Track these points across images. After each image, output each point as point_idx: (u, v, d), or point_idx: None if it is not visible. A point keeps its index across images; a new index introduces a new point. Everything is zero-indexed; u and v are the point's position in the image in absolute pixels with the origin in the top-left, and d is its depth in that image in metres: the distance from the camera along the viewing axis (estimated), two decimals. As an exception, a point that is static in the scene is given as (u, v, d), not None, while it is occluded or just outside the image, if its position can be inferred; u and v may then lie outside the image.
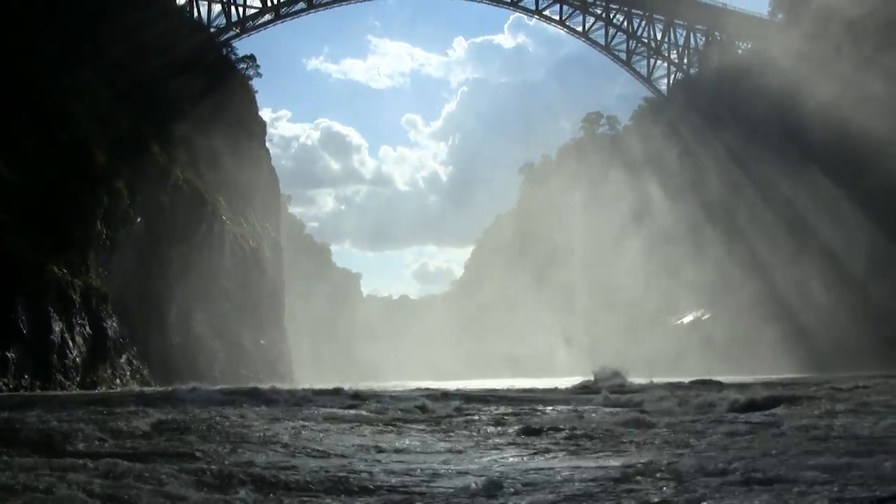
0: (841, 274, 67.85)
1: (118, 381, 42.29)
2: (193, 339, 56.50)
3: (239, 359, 62.70)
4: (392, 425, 15.85)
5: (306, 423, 16.00)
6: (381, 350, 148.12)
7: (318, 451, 11.29)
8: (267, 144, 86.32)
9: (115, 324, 43.34)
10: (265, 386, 32.52)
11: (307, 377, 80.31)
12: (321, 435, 13.58)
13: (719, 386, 30.75)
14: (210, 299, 60.30)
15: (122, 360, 43.92)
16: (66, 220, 39.39)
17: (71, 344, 37.66)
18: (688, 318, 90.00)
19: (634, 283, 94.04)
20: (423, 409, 20.06)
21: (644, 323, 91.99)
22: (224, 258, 63.38)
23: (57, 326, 36.72)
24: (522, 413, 18.68)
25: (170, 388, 31.89)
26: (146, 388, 39.67)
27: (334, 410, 19.90)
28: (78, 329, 38.83)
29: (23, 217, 36.44)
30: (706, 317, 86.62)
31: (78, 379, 37.44)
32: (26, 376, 33.48)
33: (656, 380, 38.55)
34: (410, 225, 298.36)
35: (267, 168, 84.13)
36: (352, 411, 19.47)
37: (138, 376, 45.16)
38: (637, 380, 38.22)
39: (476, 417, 17.49)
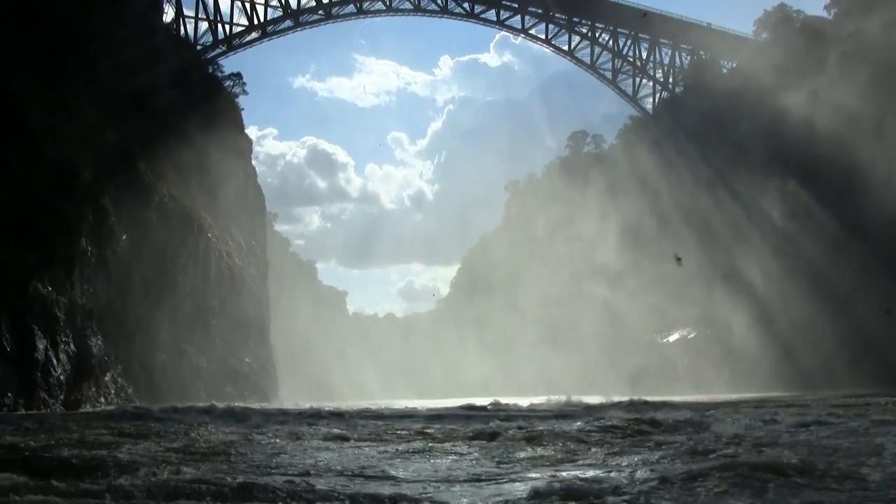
0: (824, 292, 68.07)
1: (102, 399, 41.91)
2: (178, 356, 56.13)
3: (224, 377, 62.36)
4: (449, 445, 15.83)
5: (359, 446, 15.97)
6: (366, 369, 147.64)
7: (389, 476, 11.09)
8: (253, 162, 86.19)
9: (99, 341, 42.93)
10: (306, 406, 32.40)
11: (293, 395, 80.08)
12: (379, 460, 13.29)
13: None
14: (195, 317, 59.98)
15: (107, 378, 43.53)
16: (51, 237, 39.04)
17: (55, 362, 37.25)
18: (673, 337, 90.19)
19: (618, 301, 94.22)
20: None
21: (628, 342, 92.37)
22: (209, 275, 63.08)
23: (41, 344, 36.32)
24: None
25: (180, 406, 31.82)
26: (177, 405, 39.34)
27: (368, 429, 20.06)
28: (62, 347, 38.41)
29: (7, 233, 36.09)
30: (691, 335, 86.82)
31: (62, 397, 37.03)
32: (9, 394, 33.07)
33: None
34: (396, 243, 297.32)
35: (253, 186, 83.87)
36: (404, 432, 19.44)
37: (123, 394, 44.77)
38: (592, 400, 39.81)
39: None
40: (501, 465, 12.44)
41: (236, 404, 40.78)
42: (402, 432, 19.54)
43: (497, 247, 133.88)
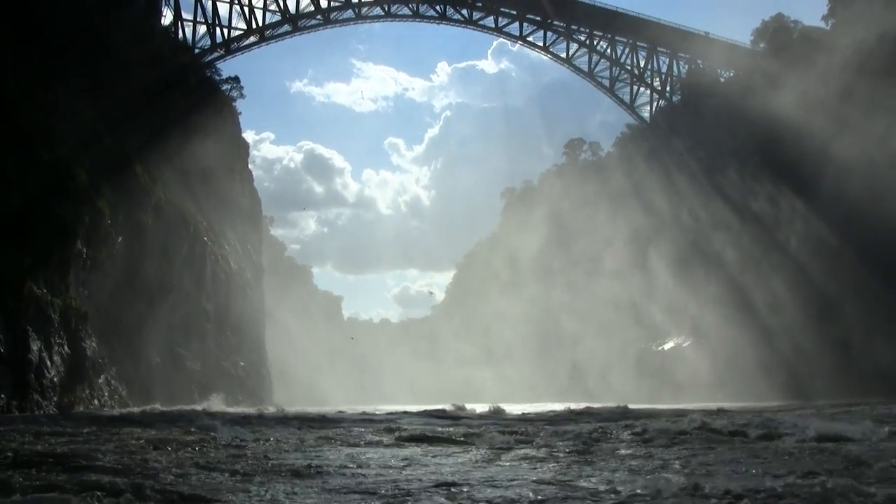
0: (819, 301, 68.20)
1: (96, 401, 41.86)
2: (173, 360, 56.08)
3: (218, 381, 62.25)
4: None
5: (455, 453, 15.78)
6: (361, 374, 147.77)
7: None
8: (250, 166, 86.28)
9: (93, 344, 42.93)
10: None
11: (287, 400, 79.90)
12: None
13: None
14: (190, 320, 59.93)
15: (101, 380, 43.49)
16: (47, 239, 39.03)
17: (49, 363, 37.24)
18: (668, 346, 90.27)
19: (613, 309, 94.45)
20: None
21: (622, 349, 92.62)
22: (205, 279, 63.07)
23: (35, 345, 36.31)
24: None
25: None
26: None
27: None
28: (56, 348, 38.41)
29: (2, 234, 36.09)
30: (686, 343, 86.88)
31: (55, 399, 37.02)
32: (2, 395, 33.06)
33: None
34: (392, 248, 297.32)
35: (249, 190, 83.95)
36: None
37: (116, 397, 44.73)
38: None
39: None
40: (622, 469, 12.37)
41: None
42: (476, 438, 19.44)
43: (491, 254, 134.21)
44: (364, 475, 11.90)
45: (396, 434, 20.42)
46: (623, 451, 15.21)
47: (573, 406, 43.79)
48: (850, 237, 65.86)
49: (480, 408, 42.44)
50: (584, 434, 19.52)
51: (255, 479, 11.33)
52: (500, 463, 13.66)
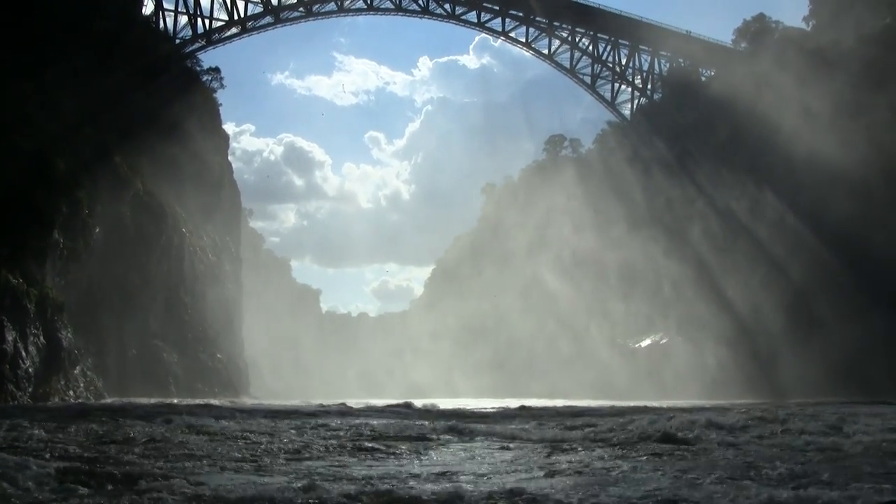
0: (797, 299, 68.64)
1: (71, 392, 41.60)
2: (150, 351, 55.85)
3: (195, 372, 62.08)
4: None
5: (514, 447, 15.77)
6: (339, 367, 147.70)
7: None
8: (229, 158, 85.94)
9: (69, 334, 42.66)
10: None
11: (265, 393, 79.80)
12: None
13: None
14: (167, 312, 59.70)
15: (77, 371, 43.21)
16: (24, 228, 38.78)
17: (24, 354, 36.99)
18: (645, 342, 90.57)
19: (591, 306, 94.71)
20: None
21: (597, 347, 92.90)
22: (183, 271, 62.82)
23: (10, 336, 36.05)
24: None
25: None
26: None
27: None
28: (32, 339, 38.14)
29: (-21, 224, 35.85)
30: (663, 341, 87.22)
31: (30, 390, 36.77)
32: (-23, 386, 32.86)
33: None
34: (371, 242, 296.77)
35: (229, 182, 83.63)
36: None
37: (92, 388, 44.47)
38: None
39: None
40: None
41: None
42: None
43: (469, 249, 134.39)
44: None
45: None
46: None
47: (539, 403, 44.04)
48: (835, 239, 66.23)
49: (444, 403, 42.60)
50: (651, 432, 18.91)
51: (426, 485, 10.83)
52: (624, 461, 13.51)
